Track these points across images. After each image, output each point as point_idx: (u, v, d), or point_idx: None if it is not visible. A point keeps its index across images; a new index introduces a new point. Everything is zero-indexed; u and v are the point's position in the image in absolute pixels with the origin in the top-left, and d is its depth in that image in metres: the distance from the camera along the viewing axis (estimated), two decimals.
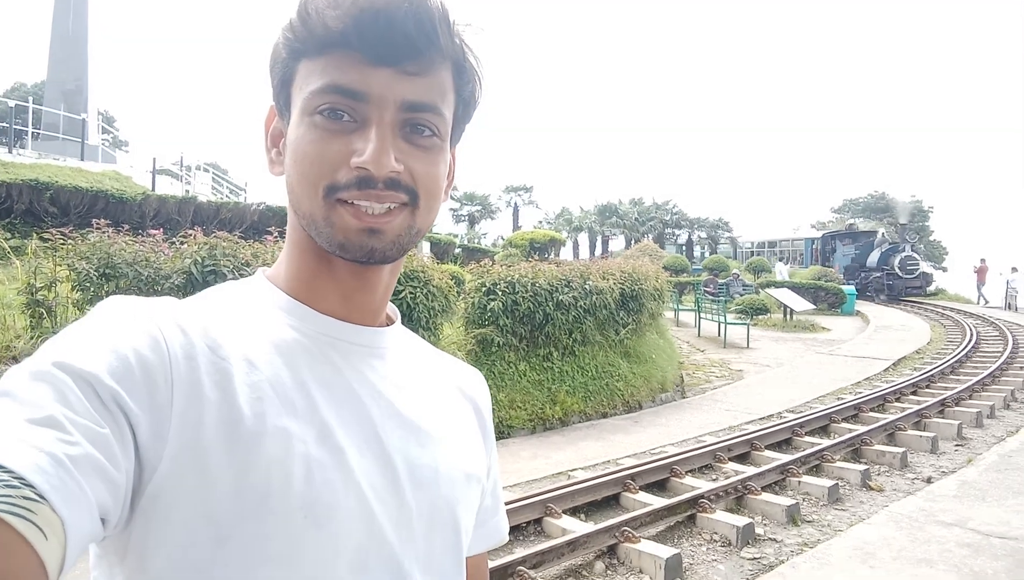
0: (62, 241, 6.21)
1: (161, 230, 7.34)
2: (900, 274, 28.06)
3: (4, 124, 18.49)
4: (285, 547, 0.56)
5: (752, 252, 41.14)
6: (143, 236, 6.70)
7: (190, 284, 5.95)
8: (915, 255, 28.69)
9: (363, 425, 0.64)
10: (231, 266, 6.17)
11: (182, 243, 6.57)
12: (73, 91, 20.44)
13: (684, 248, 47.06)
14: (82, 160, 17.72)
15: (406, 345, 0.77)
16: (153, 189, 16.79)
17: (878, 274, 28.85)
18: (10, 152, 16.27)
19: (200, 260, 6.15)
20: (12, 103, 19.36)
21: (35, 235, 7.58)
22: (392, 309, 0.77)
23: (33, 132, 19.50)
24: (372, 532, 0.61)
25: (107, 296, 0.69)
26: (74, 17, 20.57)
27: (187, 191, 19.43)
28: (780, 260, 36.71)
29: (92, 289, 5.87)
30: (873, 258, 29.75)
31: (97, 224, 6.54)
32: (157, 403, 0.54)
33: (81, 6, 20.82)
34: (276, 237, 7.47)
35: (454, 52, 0.65)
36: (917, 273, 28.41)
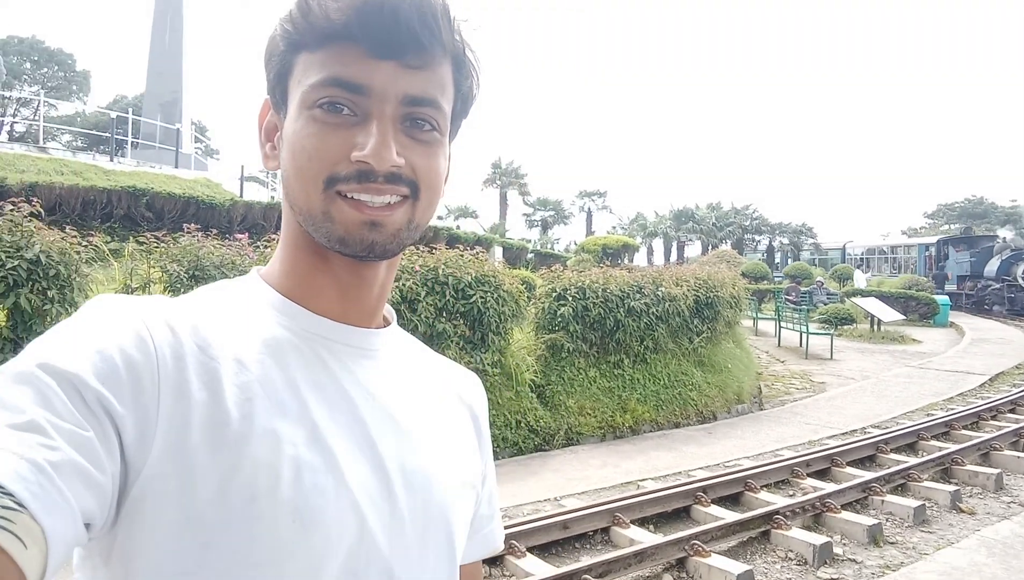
0: (156, 244, 6.58)
1: (247, 234, 7.66)
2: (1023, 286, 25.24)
3: (107, 134, 19.74)
4: (273, 551, 0.55)
5: (861, 259, 38.90)
6: (230, 240, 7.02)
7: None
8: None
9: (355, 428, 0.63)
10: None
11: (266, 247, 6.84)
12: (169, 103, 21.65)
13: (765, 255, 45.62)
14: (176, 168, 18.70)
15: (402, 347, 0.76)
16: (241, 195, 17.55)
17: (997, 286, 25.96)
18: (111, 160, 17.33)
19: None
20: (114, 114, 20.65)
21: (132, 238, 8.04)
22: (388, 310, 0.76)
23: (132, 141, 20.74)
24: (363, 537, 0.60)
25: None
26: (170, 33, 21.79)
27: (272, 197, 20.22)
28: (858, 268, 34.83)
29: (182, 290, 6.18)
30: (992, 267, 26.66)
31: (188, 228, 6.88)
32: (143, 405, 0.53)
33: (177, 22, 22.04)
34: None
35: (455, 47, 0.65)
36: None
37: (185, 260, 6.32)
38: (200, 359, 0.58)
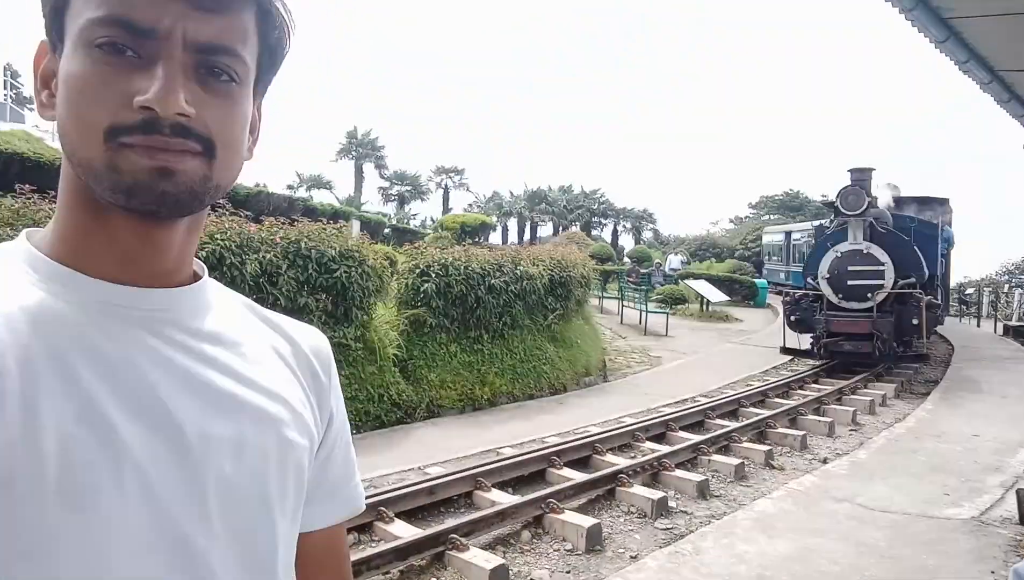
0: None
1: None
2: (833, 297, 12.05)
3: None
4: (42, 539, 0.50)
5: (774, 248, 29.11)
6: None
7: None
8: (872, 250, 11.63)
9: (143, 396, 0.57)
10: None
11: None
12: None
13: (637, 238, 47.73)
14: None
15: (215, 304, 0.67)
16: None
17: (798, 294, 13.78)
18: None
19: None
20: None
21: None
22: (199, 265, 0.68)
23: None
24: (152, 511, 0.54)
25: None
26: None
27: None
28: (673, 256, 31.82)
29: None
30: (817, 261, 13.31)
31: (21, 189, 6.32)
32: None
33: None
34: None
35: None
36: (870, 290, 11.63)
37: (20, 225, 5.83)
38: None
